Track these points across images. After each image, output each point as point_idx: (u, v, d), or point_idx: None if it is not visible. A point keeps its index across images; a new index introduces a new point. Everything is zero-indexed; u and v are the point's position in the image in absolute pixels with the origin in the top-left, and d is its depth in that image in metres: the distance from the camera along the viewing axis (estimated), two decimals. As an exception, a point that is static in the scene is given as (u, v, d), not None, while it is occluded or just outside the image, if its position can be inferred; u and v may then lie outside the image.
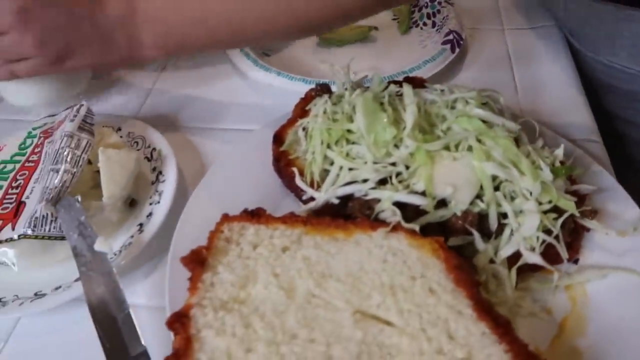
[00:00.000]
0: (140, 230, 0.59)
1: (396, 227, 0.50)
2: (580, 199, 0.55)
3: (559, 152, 0.56)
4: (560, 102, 0.75)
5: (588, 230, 0.54)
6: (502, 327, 0.43)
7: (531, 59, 0.84)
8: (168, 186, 0.63)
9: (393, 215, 0.51)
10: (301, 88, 0.72)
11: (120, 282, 0.52)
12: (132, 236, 0.59)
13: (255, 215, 0.54)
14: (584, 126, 0.71)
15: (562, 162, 0.56)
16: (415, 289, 0.45)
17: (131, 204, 0.64)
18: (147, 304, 0.56)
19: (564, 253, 0.51)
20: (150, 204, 0.63)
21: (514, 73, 0.81)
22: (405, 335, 0.42)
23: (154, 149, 0.69)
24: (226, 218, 0.53)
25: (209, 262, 0.49)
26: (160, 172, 0.66)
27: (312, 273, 0.47)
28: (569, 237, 0.52)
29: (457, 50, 0.81)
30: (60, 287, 0.54)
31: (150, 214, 0.61)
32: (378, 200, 0.54)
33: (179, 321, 0.44)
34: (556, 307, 0.51)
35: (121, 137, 0.71)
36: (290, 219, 0.53)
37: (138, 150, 0.70)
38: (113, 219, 0.61)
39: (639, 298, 0.49)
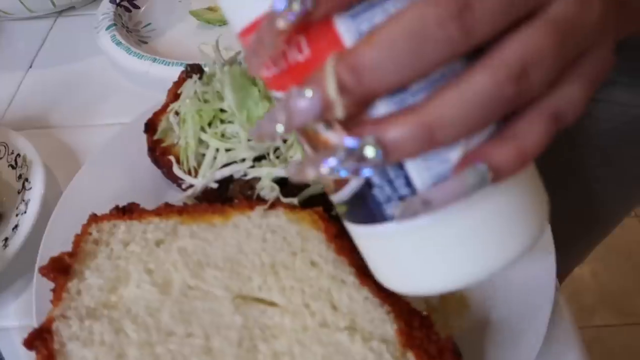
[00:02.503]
0: (5, 245, 0.53)
1: (275, 204, 0.48)
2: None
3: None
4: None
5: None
6: (384, 290, 0.42)
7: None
8: (35, 192, 0.57)
9: (272, 192, 0.49)
10: (179, 73, 0.68)
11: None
12: (-5, 253, 0.53)
13: (127, 210, 0.50)
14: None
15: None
16: (297, 264, 0.44)
17: (-4, 218, 0.58)
18: (19, 325, 0.51)
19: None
20: (17, 215, 0.57)
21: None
22: (287, 314, 0.41)
23: (19, 154, 0.63)
24: (94, 218, 0.49)
25: (75, 269, 0.45)
26: (27, 179, 0.60)
27: (188, 264, 0.44)
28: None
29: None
30: None
31: (16, 226, 0.55)
32: (259, 179, 0.51)
33: (40, 338, 0.40)
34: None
35: (-22, 146, 0.64)
36: (164, 210, 0.49)
37: (1, 158, 0.63)
38: (-27, 237, 0.55)
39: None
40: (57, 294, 0.43)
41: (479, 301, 0.48)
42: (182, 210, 0.49)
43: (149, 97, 0.72)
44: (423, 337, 0.38)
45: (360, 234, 0.29)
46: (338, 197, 0.28)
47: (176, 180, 0.57)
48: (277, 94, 0.26)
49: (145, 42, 0.83)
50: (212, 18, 0.85)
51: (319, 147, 0.25)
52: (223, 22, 0.85)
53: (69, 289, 0.43)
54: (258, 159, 0.52)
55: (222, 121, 0.54)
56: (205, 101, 0.55)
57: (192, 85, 0.57)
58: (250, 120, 0.52)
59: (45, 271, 0.43)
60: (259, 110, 0.52)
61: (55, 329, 0.40)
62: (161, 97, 0.66)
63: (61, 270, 0.44)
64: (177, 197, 0.58)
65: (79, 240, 0.47)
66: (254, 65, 0.24)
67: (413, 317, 0.40)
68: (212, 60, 0.60)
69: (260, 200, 0.50)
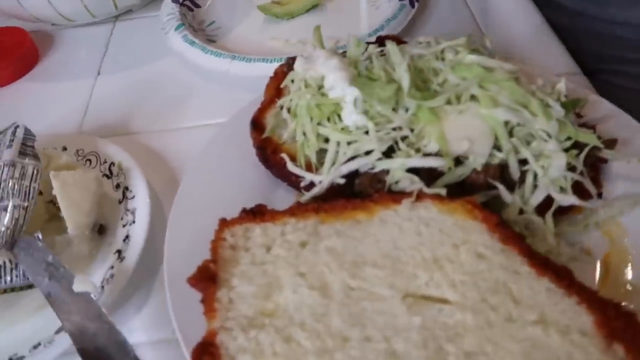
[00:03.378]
0: (121, 258, 0.51)
1: (419, 196, 0.45)
2: (591, 129, 0.52)
3: (561, 86, 0.53)
4: (530, 41, 0.73)
5: (606, 161, 0.51)
6: (565, 278, 0.39)
7: (491, 4, 0.81)
8: (140, 202, 0.55)
9: (412, 184, 0.46)
10: (261, 70, 0.66)
11: (113, 323, 0.43)
12: (112, 266, 0.51)
13: (258, 213, 0.47)
14: (562, 61, 0.69)
15: (565, 97, 0.53)
16: (462, 257, 0.41)
17: (100, 230, 0.55)
18: (148, 340, 0.48)
19: (592, 188, 0.48)
20: (124, 225, 0.54)
21: (475, 19, 0.78)
22: (467, 310, 0.38)
23: (112, 163, 0.60)
24: (225, 223, 0.46)
25: (220, 277, 0.42)
26: (127, 188, 0.57)
27: (343, 264, 0.41)
28: (591, 172, 0.49)
29: (417, 4, 0.77)
30: (39, 344, 0.45)
31: (127, 237, 0.52)
32: (387, 172, 0.48)
33: (207, 352, 0.37)
34: (594, 246, 0.48)
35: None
36: (298, 209, 0.46)
37: (93, 168, 0.60)
38: (84, 251, 0.52)
39: (673, 219, 0.47)
40: (209, 305, 0.40)
41: (643, 286, 0.45)
42: (318, 209, 0.46)
43: (230, 96, 0.70)
44: (626, 327, 0.35)
45: None
46: None
47: (289, 179, 0.54)
48: None
49: (214, 41, 0.80)
50: (280, 12, 0.82)
51: None
52: (291, 16, 0.82)
53: (219, 298, 0.40)
54: (385, 151, 0.49)
55: (339, 117, 0.51)
56: (322, 94, 0.52)
57: (300, 79, 0.54)
58: (383, 102, 0.49)
59: (194, 281, 0.40)
60: (388, 91, 0.49)
61: (220, 342, 0.37)
62: (244, 96, 0.63)
63: (209, 278, 0.41)
64: (287, 197, 0.55)
65: (215, 246, 0.44)
66: None
67: (606, 306, 0.37)
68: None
69: (399, 192, 0.47)
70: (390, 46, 0.53)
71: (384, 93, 0.49)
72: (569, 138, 0.48)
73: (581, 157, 0.48)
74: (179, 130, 0.68)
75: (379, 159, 0.49)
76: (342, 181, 0.49)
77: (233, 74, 0.71)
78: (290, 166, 0.52)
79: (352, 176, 0.50)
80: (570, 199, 0.46)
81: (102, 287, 0.48)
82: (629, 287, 0.45)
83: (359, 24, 0.78)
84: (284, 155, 0.53)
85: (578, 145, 0.49)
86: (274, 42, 0.79)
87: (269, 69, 0.62)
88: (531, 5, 0.79)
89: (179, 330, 0.43)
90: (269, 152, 0.54)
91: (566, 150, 0.48)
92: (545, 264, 0.40)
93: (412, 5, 0.76)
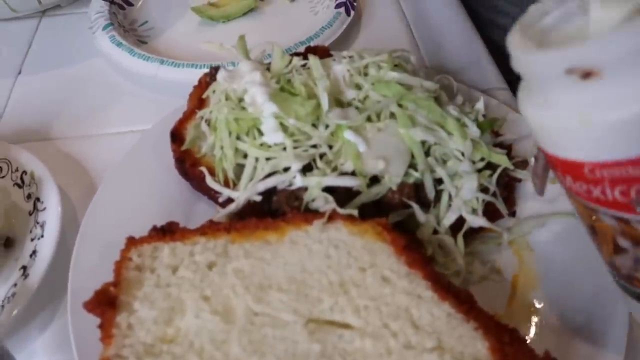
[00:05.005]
0: (25, 275, 0.48)
1: (332, 216, 0.45)
2: (507, 149, 0.53)
3: (480, 105, 0.54)
4: (462, 54, 0.74)
5: (520, 181, 0.52)
6: (465, 303, 0.39)
7: (427, 15, 0.82)
8: (51, 214, 0.52)
9: (326, 203, 0.46)
10: (191, 76, 0.63)
11: (7, 348, 0.41)
12: (15, 284, 0.48)
13: (168, 231, 0.45)
14: (490, 75, 0.70)
15: (483, 116, 0.54)
16: (368, 281, 0.41)
17: (6, 244, 0.52)
18: (50, 363, 0.46)
19: (503, 209, 0.49)
20: (32, 239, 0.52)
21: (411, 29, 0.79)
22: (367, 336, 0.38)
23: (25, 171, 0.57)
24: (132, 242, 0.44)
25: (121, 300, 0.40)
26: (38, 199, 0.54)
27: (249, 287, 0.41)
28: (504, 192, 0.50)
29: (352, 12, 0.76)
30: None
31: (34, 252, 0.50)
32: (305, 189, 0.48)
33: (97, 384, 0.35)
34: (505, 265, 0.49)
35: (-23, 164, 0.57)
36: (210, 228, 0.45)
37: (3, 177, 0.57)
38: (-15, 267, 0.49)
39: (579, 239, 0.49)
40: (107, 331, 0.38)
41: (545, 308, 0.46)
42: (229, 228, 0.45)
43: (158, 102, 0.68)
44: (517, 353, 0.36)
45: None
46: None
47: (209, 193, 0.52)
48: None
49: (145, 42, 0.77)
50: (215, 14, 0.80)
51: None
52: (227, 18, 0.80)
53: (118, 323, 0.39)
54: (303, 168, 0.48)
55: (259, 131, 0.50)
56: (242, 108, 0.51)
57: (222, 91, 0.53)
58: (300, 119, 0.48)
59: (91, 306, 0.39)
60: (307, 108, 0.48)
61: (113, 371, 0.36)
62: (173, 102, 0.61)
63: (107, 303, 0.39)
64: (208, 210, 0.54)
65: (119, 267, 0.42)
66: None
67: (502, 331, 0.38)
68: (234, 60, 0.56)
69: (313, 212, 0.47)
70: (313, 60, 0.53)
71: (303, 109, 0.48)
72: (482, 159, 0.49)
73: (494, 177, 0.49)
74: (102, 136, 0.65)
75: (296, 176, 0.48)
76: (258, 198, 0.49)
77: (162, 79, 0.69)
78: (209, 181, 0.51)
79: (270, 193, 0.49)
80: (479, 221, 0.47)
81: (2, 306, 0.46)
82: (533, 307, 0.46)
83: (295, 28, 0.76)
84: (203, 169, 0.52)
85: (492, 166, 0.50)
86: (208, 45, 0.76)
87: (198, 75, 0.60)
88: (466, 20, 0.80)
89: (77, 356, 0.41)
90: (188, 165, 0.53)
91: (480, 170, 0.49)
92: (447, 289, 0.40)
93: (348, 14, 0.76)
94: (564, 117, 0.30)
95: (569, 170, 0.32)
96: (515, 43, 0.31)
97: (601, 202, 0.32)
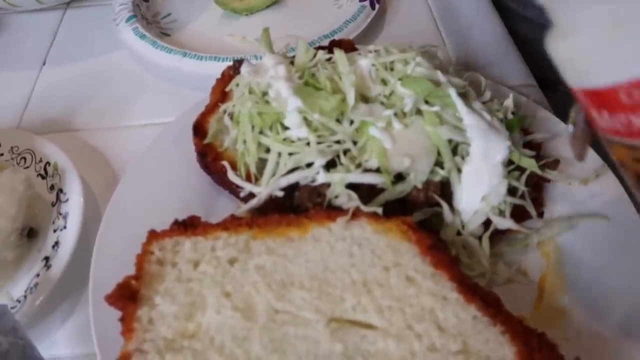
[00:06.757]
0: (47, 266, 0.48)
1: (356, 213, 0.44)
2: (536, 148, 0.52)
3: (509, 103, 0.52)
4: (489, 49, 0.72)
5: (549, 181, 0.51)
6: (492, 305, 0.38)
7: (453, 8, 0.80)
8: (73, 205, 0.52)
9: (349, 200, 0.45)
10: (214, 68, 0.63)
11: (29, 338, 0.41)
12: (37, 274, 0.48)
13: (189, 225, 0.45)
14: (519, 71, 0.68)
15: (513, 113, 0.52)
16: (392, 281, 0.40)
17: (30, 234, 0.53)
18: (71, 354, 0.46)
19: (532, 211, 0.48)
20: (55, 230, 0.52)
21: (437, 23, 0.77)
22: (390, 337, 0.37)
23: (48, 162, 0.57)
24: (154, 235, 0.44)
25: (142, 294, 0.40)
26: (61, 190, 0.55)
27: (271, 284, 0.40)
28: (533, 192, 0.49)
29: (377, 5, 0.75)
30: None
31: (56, 244, 0.50)
32: (328, 185, 0.47)
33: (117, 377, 0.35)
34: (531, 267, 0.48)
35: (1, 154, 0.58)
36: (232, 223, 0.45)
37: (27, 168, 0.58)
38: (8, 257, 0.50)
39: (610, 242, 0.47)
40: (128, 325, 0.38)
41: (575, 312, 0.45)
42: (251, 223, 0.44)
43: (181, 94, 0.68)
44: (546, 359, 0.35)
45: None
46: None
47: (230, 187, 0.52)
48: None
49: (168, 35, 0.77)
50: (238, 7, 0.79)
51: None
52: (250, 11, 0.80)
53: (139, 317, 0.39)
54: (327, 164, 0.48)
55: (282, 126, 0.49)
56: (266, 102, 0.50)
57: (246, 84, 0.52)
58: (325, 114, 0.47)
59: (113, 300, 0.39)
60: (332, 103, 0.48)
61: (134, 365, 0.36)
62: (195, 95, 0.61)
63: (129, 297, 0.39)
64: (229, 205, 0.54)
65: (141, 260, 0.42)
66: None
67: (530, 336, 0.36)
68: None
69: (336, 209, 0.46)
70: (338, 54, 0.52)
71: (328, 104, 0.47)
72: (511, 161, 0.47)
73: (523, 178, 0.48)
74: (125, 128, 0.66)
75: (319, 172, 0.47)
76: (280, 194, 0.48)
77: (184, 71, 0.68)
78: (231, 175, 0.51)
79: (292, 189, 0.49)
80: (507, 223, 0.45)
81: (25, 297, 0.46)
82: (561, 311, 0.45)
83: (319, 22, 0.75)
84: (225, 163, 0.51)
85: (521, 166, 0.48)
86: (231, 38, 0.76)
87: (221, 68, 0.60)
88: (493, 13, 0.78)
89: (98, 349, 0.41)
90: (210, 159, 0.52)
91: (508, 171, 0.47)
92: (474, 291, 0.39)
93: (373, 7, 0.74)
94: (595, 34, 0.27)
95: (605, 102, 0.29)
96: None
97: None
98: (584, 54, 0.28)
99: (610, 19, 0.26)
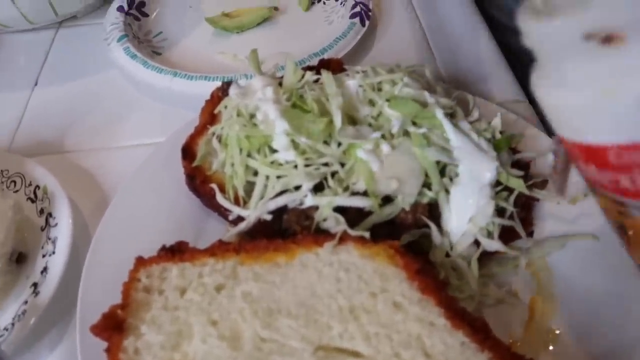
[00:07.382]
0: (36, 292, 0.48)
1: (343, 237, 0.44)
2: (524, 167, 0.52)
3: (497, 122, 0.52)
4: (479, 65, 0.72)
5: (538, 200, 0.51)
6: (480, 331, 0.38)
7: (443, 23, 0.80)
8: (62, 230, 0.52)
9: (337, 224, 0.45)
10: (203, 88, 0.63)
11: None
12: (25, 301, 0.48)
13: (177, 251, 0.45)
14: (508, 87, 0.68)
15: (500, 133, 0.52)
16: (379, 307, 0.40)
17: (19, 259, 0.53)
18: (60, 382, 0.46)
19: (521, 231, 0.47)
20: (44, 255, 0.52)
21: (427, 39, 0.77)
22: (377, 366, 0.37)
23: (37, 186, 0.57)
24: (141, 262, 0.44)
25: (129, 323, 0.40)
26: (50, 214, 0.54)
27: (257, 312, 0.40)
28: (522, 212, 0.49)
29: (367, 22, 0.75)
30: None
31: (45, 269, 0.50)
32: (316, 208, 0.47)
33: (102, 411, 0.35)
34: (522, 287, 0.47)
35: (-9, 179, 0.58)
36: (219, 248, 0.45)
37: (16, 191, 0.58)
38: (-3, 284, 0.49)
39: (601, 262, 0.47)
40: (114, 355, 0.38)
41: (565, 334, 0.44)
42: (239, 249, 0.44)
43: (171, 114, 0.68)
44: (534, 387, 0.35)
45: None
46: None
47: (219, 209, 0.52)
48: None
49: (159, 54, 0.77)
50: (229, 25, 0.79)
51: None
52: (241, 29, 0.80)
53: (125, 348, 0.38)
54: (315, 186, 0.48)
55: (270, 149, 0.49)
56: (254, 125, 0.50)
57: (234, 106, 0.52)
58: (312, 137, 0.47)
59: (98, 330, 0.38)
60: (319, 125, 0.48)
61: (119, 398, 0.36)
62: (186, 114, 0.61)
63: (115, 327, 0.39)
64: (218, 227, 0.53)
65: (128, 288, 0.42)
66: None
67: (517, 362, 0.36)
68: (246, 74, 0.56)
69: (323, 232, 0.46)
70: (326, 76, 0.52)
71: (315, 127, 0.48)
72: (499, 182, 0.47)
73: (511, 198, 0.47)
74: (116, 149, 0.66)
75: (307, 195, 0.47)
76: (268, 217, 0.48)
77: (175, 91, 0.68)
78: (219, 198, 0.51)
79: (280, 212, 0.48)
80: (495, 245, 0.45)
81: (13, 324, 0.46)
82: (552, 333, 0.45)
83: (310, 38, 0.76)
84: (214, 186, 0.51)
85: (509, 187, 0.48)
86: (222, 56, 0.77)
87: (211, 87, 0.60)
88: (484, 29, 0.78)
89: (85, 379, 0.41)
90: (199, 182, 0.52)
91: (496, 192, 0.47)
92: (461, 316, 0.39)
93: (363, 24, 0.75)
94: (584, 92, 0.26)
95: (592, 157, 0.28)
96: (525, 15, 0.28)
97: (630, 193, 0.28)
98: (573, 110, 0.28)
99: (602, 82, 0.26)
